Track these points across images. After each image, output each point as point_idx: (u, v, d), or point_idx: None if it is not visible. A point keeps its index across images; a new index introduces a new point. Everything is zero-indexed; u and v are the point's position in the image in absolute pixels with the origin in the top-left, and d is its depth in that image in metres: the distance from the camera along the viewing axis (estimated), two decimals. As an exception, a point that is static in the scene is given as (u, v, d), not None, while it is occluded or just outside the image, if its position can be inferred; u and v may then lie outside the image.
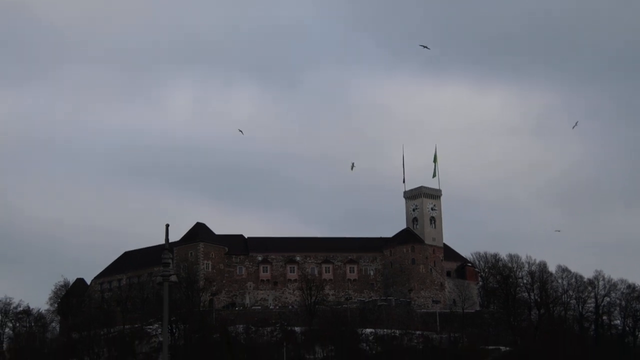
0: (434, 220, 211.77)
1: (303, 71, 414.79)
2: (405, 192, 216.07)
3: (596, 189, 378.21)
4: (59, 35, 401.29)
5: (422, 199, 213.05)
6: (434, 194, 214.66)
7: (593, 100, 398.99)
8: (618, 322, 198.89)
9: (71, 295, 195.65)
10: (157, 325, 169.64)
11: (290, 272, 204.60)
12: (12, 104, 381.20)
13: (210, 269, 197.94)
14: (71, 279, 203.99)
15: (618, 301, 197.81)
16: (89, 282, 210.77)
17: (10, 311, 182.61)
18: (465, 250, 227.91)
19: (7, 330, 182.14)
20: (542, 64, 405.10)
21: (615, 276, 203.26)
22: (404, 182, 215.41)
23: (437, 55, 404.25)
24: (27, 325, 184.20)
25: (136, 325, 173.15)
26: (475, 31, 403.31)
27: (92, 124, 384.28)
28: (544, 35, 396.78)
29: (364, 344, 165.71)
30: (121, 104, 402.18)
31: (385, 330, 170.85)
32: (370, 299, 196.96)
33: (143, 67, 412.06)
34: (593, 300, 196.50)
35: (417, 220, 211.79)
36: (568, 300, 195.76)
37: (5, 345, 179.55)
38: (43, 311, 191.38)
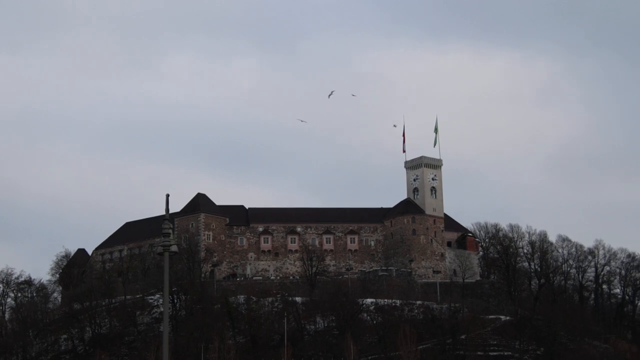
0: (435, 191, 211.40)
1: (303, 40, 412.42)
2: (406, 162, 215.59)
3: (598, 158, 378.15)
4: (59, 5, 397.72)
5: (422, 169, 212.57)
6: (435, 164, 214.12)
7: (596, 69, 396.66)
8: (618, 291, 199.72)
9: (72, 266, 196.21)
10: (158, 296, 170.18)
11: (291, 242, 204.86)
12: (11, 73, 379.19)
13: (211, 240, 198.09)
14: (72, 250, 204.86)
15: (618, 270, 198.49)
16: (90, 253, 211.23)
17: (12, 281, 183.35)
18: (466, 220, 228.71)
19: (9, 300, 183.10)
20: (545, 31, 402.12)
21: (615, 245, 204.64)
22: (404, 152, 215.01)
23: (439, 22, 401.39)
24: (29, 295, 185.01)
25: (137, 296, 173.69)
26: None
27: (91, 94, 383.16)
28: (547, 1, 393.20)
29: (365, 314, 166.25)
30: (121, 74, 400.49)
31: (386, 300, 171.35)
32: (371, 270, 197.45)
33: (143, 36, 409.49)
34: (593, 269, 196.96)
35: (417, 191, 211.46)
36: (568, 269, 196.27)
37: (7, 315, 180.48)
38: (45, 281, 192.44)
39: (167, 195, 46.71)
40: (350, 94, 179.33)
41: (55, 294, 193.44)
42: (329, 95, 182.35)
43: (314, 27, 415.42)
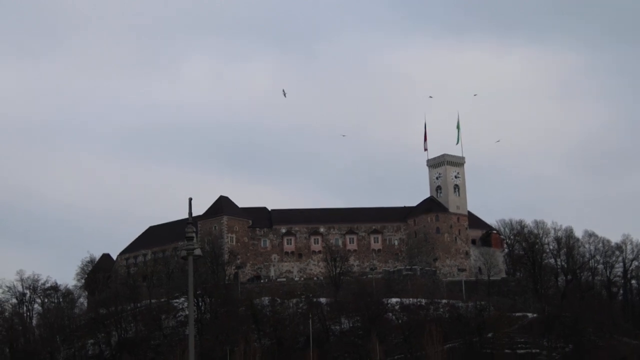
0: (458, 188, 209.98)
1: (321, 40, 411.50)
2: (428, 161, 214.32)
3: (619, 151, 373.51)
4: (74, 11, 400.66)
5: (445, 167, 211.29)
6: (458, 162, 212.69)
7: (617, 61, 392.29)
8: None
9: (97, 271, 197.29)
10: (183, 299, 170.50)
11: (314, 243, 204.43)
12: (29, 80, 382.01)
13: (234, 243, 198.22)
14: (97, 255, 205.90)
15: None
16: (114, 258, 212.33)
17: (39, 287, 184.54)
18: (490, 217, 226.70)
19: (35, 306, 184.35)
20: (563, 25, 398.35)
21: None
22: (425, 150, 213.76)
23: (457, 18, 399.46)
24: (55, 300, 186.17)
25: (162, 300, 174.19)
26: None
27: (110, 100, 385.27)
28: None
29: (390, 314, 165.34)
30: (139, 78, 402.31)
31: (411, 299, 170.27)
32: (395, 269, 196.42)
33: (160, 40, 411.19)
34: (621, 264, 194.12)
35: (440, 189, 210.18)
36: (595, 265, 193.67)
37: (34, 321, 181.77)
38: (70, 287, 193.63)
39: (190, 199, 46.73)
40: (428, 96, 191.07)
41: (81, 299, 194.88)
42: (284, 95, 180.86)
43: (331, 27, 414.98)
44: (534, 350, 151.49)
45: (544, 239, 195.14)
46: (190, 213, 45.50)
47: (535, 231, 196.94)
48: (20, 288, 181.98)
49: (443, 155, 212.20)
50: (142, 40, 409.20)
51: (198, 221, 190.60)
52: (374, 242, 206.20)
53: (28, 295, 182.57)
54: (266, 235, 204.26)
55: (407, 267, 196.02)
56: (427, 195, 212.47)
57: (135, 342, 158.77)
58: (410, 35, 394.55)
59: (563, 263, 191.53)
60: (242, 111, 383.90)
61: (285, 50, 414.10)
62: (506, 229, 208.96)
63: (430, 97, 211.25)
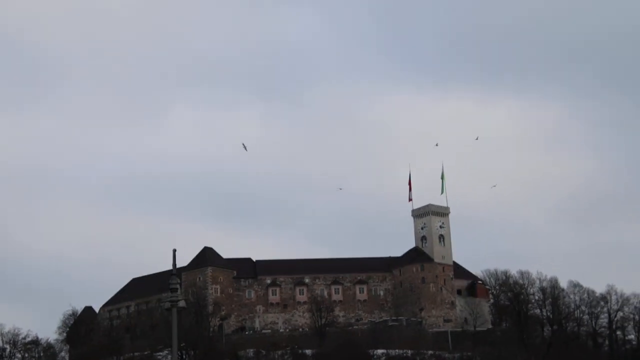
0: (443, 238, 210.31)
1: (307, 90, 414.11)
2: (413, 211, 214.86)
3: (605, 201, 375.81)
4: (58, 60, 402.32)
5: (430, 217, 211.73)
6: (442, 212, 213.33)
7: (602, 111, 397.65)
8: (632, 336, 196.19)
9: (80, 324, 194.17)
10: (166, 352, 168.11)
11: (300, 294, 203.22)
12: (10, 131, 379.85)
13: (218, 294, 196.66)
14: (79, 308, 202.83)
15: (631, 315, 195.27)
16: (97, 310, 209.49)
17: (19, 342, 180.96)
18: (475, 267, 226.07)
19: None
20: (549, 75, 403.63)
21: (627, 290, 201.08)
22: (410, 200, 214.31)
23: (441, 68, 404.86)
24: (36, 355, 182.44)
25: (145, 353, 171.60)
26: (478, 42, 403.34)
27: (93, 150, 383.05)
28: (549, 43, 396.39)
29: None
30: (123, 128, 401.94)
31: (397, 350, 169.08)
32: (381, 319, 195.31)
33: (144, 90, 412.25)
34: (606, 315, 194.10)
35: (425, 239, 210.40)
36: (581, 315, 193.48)
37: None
38: (52, 341, 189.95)
39: (174, 251, 46.81)
40: (435, 144, 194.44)
41: (62, 353, 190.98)
42: (245, 149, 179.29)
43: (317, 77, 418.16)
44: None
45: (529, 289, 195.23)
46: (174, 265, 45.37)
47: (521, 281, 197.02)
48: (0, 343, 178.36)
49: (428, 206, 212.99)
50: (126, 89, 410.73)
51: (182, 272, 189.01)
52: (359, 292, 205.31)
53: (8, 350, 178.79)
54: (251, 286, 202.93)
55: (393, 317, 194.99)
56: (412, 245, 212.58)
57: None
58: (396, 84, 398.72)
59: (549, 313, 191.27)
60: (227, 161, 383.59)
61: (272, 100, 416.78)
62: (491, 279, 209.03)
63: (437, 145, 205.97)
